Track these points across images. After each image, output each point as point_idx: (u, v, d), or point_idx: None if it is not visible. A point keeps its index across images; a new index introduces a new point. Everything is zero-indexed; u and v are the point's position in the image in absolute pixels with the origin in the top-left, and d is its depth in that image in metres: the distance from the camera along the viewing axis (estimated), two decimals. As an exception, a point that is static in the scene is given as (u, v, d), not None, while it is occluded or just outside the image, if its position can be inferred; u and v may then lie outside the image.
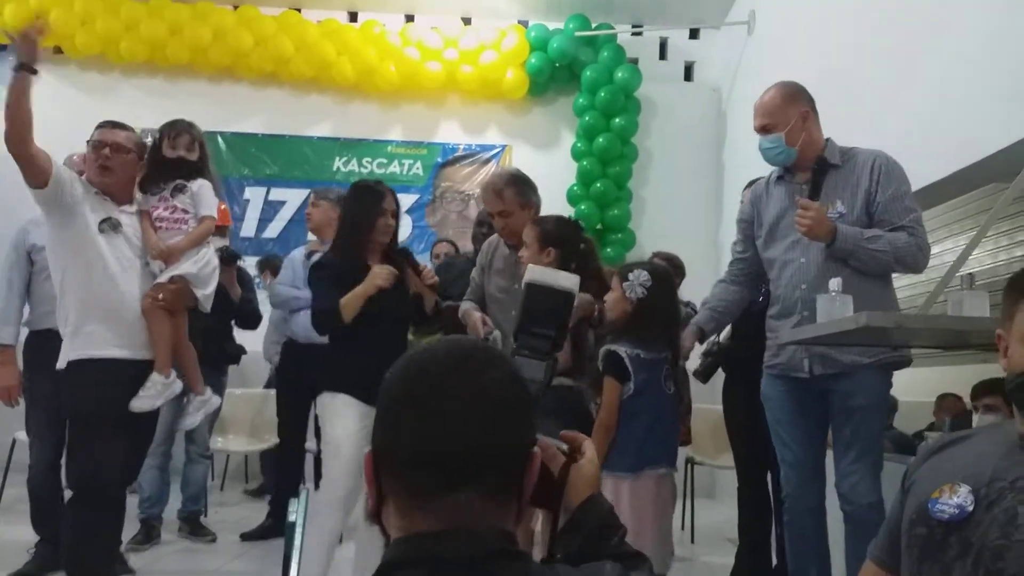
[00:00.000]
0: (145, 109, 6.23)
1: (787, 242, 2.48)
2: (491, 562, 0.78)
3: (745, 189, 3.13)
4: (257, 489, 5.34)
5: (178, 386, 2.69)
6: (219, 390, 4.14)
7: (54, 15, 5.78)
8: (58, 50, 6.11)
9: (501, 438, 0.82)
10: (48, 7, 5.79)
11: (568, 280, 1.19)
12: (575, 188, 5.99)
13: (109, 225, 2.59)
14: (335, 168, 6.31)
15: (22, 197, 2.78)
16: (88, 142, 2.71)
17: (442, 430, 0.79)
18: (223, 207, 4.31)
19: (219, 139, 6.28)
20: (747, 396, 2.91)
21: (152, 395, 2.59)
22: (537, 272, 1.22)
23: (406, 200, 6.20)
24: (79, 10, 5.84)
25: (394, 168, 6.32)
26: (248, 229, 6.24)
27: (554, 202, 5.93)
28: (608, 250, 5.93)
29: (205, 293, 2.79)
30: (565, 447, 1.03)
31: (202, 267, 2.78)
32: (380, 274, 2.76)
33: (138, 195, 2.75)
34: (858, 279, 2.26)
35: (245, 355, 4.53)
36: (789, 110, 2.44)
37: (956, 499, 1.20)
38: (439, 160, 6.36)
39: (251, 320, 4.23)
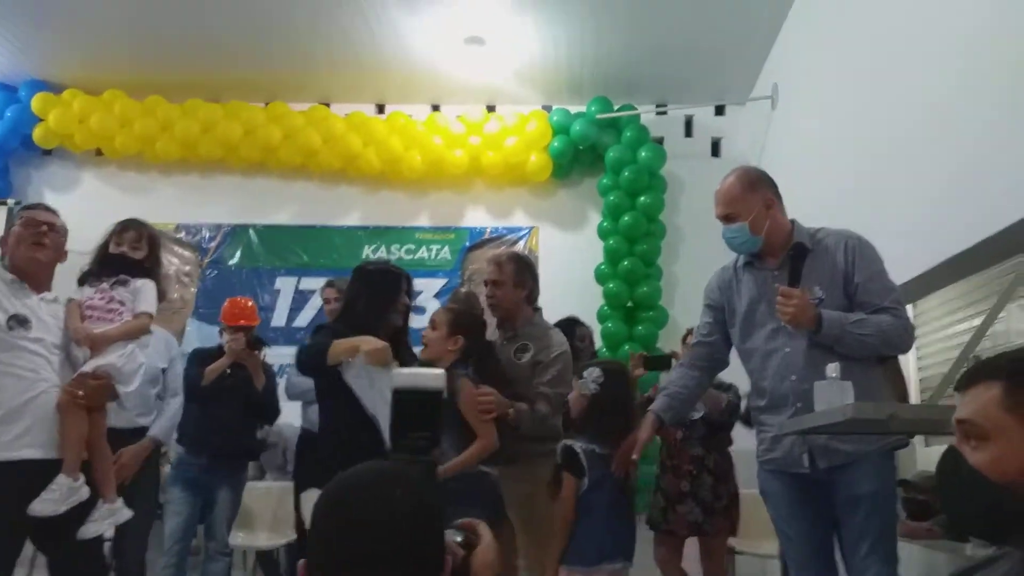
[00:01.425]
0: (182, 205, 6.44)
1: (766, 331, 2.37)
2: None
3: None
4: None
5: (85, 491, 2.49)
6: (237, 486, 4.09)
7: (94, 119, 6.06)
8: (99, 152, 6.38)
9: (408, 546, 0.99)
10: (89, 112, 6.07)
11: (435, 379, 1.24)
12: (603, 267, 5.92)
13: (16, 321, 2.49)
14: (364, 255, 6.35)
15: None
16: (17, 222, 2.66)
17: (358, 543, 0.98)
18: (250, 303, 4.34)
19: (251, 231, 6.42)
20: None
21: (55, 499, 2.39)
22: (402, 378, 1.24)
23: (435, 284, 6.21)
24: (118, 113, 6.09)
25: (422, 253, 6.34)
26: (279, 319, 6.28)
27: (582, 281, 5.91)
28: (639, 328, 5.80)
29: (127, 391, 2.66)
30: (460, 539, 1.15)
31: (127, 363, 2.66)
32: (372, 341, 2.64)
33: (76, 289, 2.73)
34: (847, 365, 2.13)
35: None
36: (750, 198, 2.40)
37: None
38: (467, 244, 6.37)
39: (270, 414, 4.19)
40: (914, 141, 3.42)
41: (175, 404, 3.51)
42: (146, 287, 2.76)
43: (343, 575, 0.98)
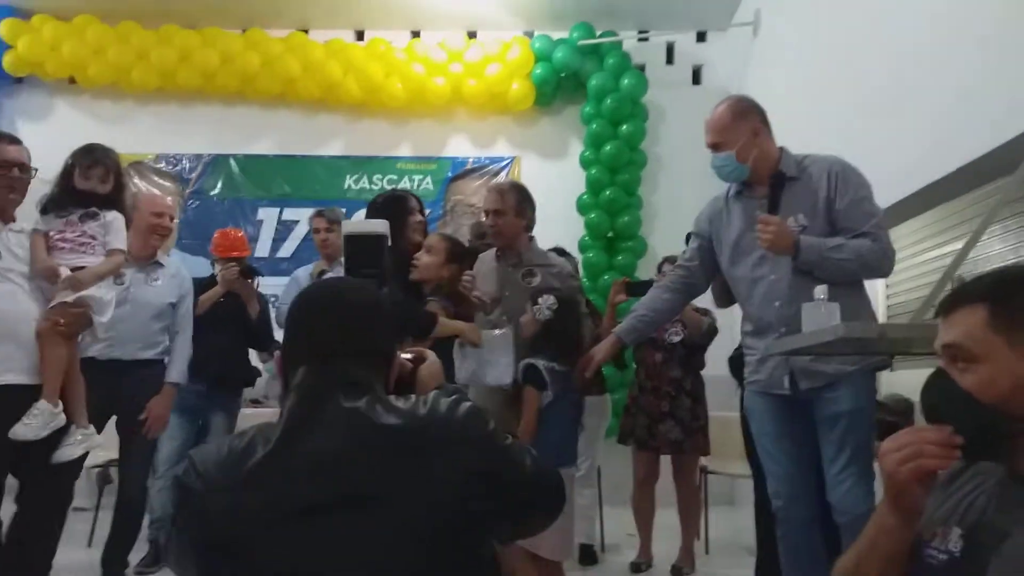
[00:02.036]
0: (160, 135, 6.36)
1: (753, 258, 2.45)
2: (351, 384, 1.18)
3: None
4: None
5: (63, 418, 2.55)
6: (233, 411, 4.18)
7: (67, 47, 5.91)
8: (72, 80, 6.25)
9: (365, 334, 1.25)
10: (61, 39, 5.92)
11: (380, 225, 1.59)
12: (585, 197, 5.97)
13: None
14: (346, 186, 6.35)
15: None
16: None
17: (324, 330, 1.23)
18: (240, 234, 4.39)
19: (231, 161, 6.37)
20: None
21: (37, 425, 2.45)
22: (352, 225, 1.60)
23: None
24: (91, 41, 5.95)
25: (404, 184, 6.33)
26: (262, 249, 6.30)
27: (564, 211, 5.95)
28: (620, 258, 5.90)
29: (101, 320, 2.69)
30: (409, 356, 1.41)
31: (104, 293, 2.70)
32: (471, 330, 2.92)
33: (38, 216, 2.71)
34: (832, 289, 2.19)
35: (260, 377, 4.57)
36: (739, 126, 2.43)
37: (948, 545, 1.13)
38: (449, 174, 6.37)
39: (266, 341, 4.25)
40: (898, 69, 3.47)
41: (184, 341, 3.50)
42: (117, 221, 2.75)
43: (312, 361, 1.21)
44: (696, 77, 6.46)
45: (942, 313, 1.19)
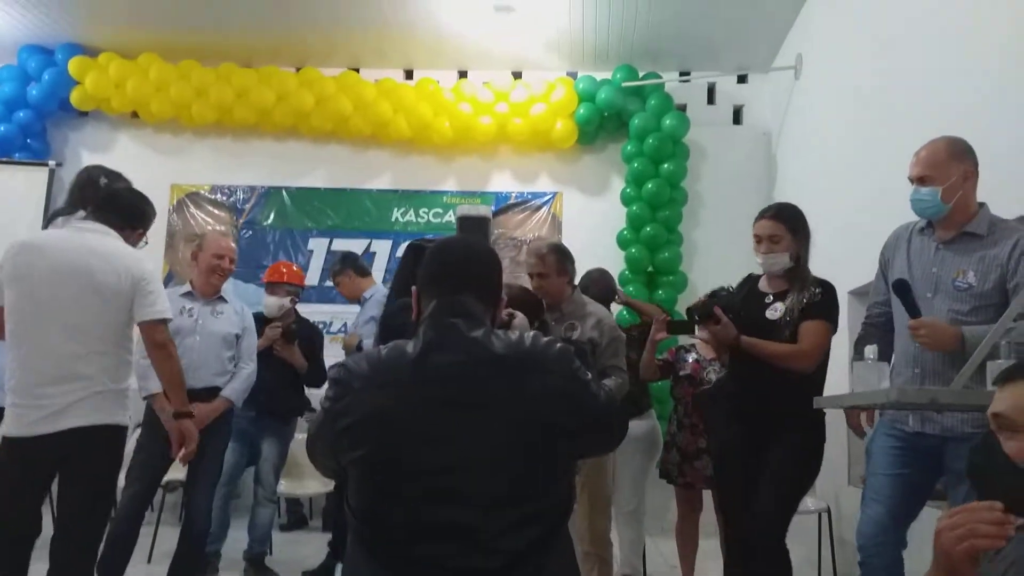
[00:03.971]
0: (216, 168, 6.62)
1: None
2: (473, 319, 1.48)
3: None
4: (288, 524, 5.56)
5: None
6: (285, 438, 4.35)
7: (130, 83, 6.20)
8: (135, 115, 6.53)
9: (484, 274, 1.60)
10: (124, 76, 6.22)
11: (485, 210, 2.10)
12: (625, 232, 6.10)
13: None
14: (394, 218, 6.55)
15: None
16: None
17: (453, 268, 1.58)
18: (295, 268, 4.65)
19: (284, 194, 6.61)
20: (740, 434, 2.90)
21: None
22: (463, 209, 2.09)
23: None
24: (154, 78, 6.24)
25: (450, 217, 6.51)
26: (312, 278, 6.48)
27: (605, 245, 6.09)
28: (660, 292, 6.00)
29: None
30: (508, 312, 1.95)
31: None
32: None
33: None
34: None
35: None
36: (953, 165, 2.38)
37: None
38: (493, 208, 6.54)
39: (317, 378, 4.39)
40: (946, 117, 3.48)
41: (248, 370, 3.72)
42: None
43: (444, 295, 1.51)
44: (737, 117, 6.60)
45: (999, 382, 1.30)
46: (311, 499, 5.70)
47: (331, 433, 1.45)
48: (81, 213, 2.80)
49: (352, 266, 4.56)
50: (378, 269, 6.14)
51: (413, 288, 1.60)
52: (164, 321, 2.72)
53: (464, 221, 1.99)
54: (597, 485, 3.31)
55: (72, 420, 2.50)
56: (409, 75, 6.66)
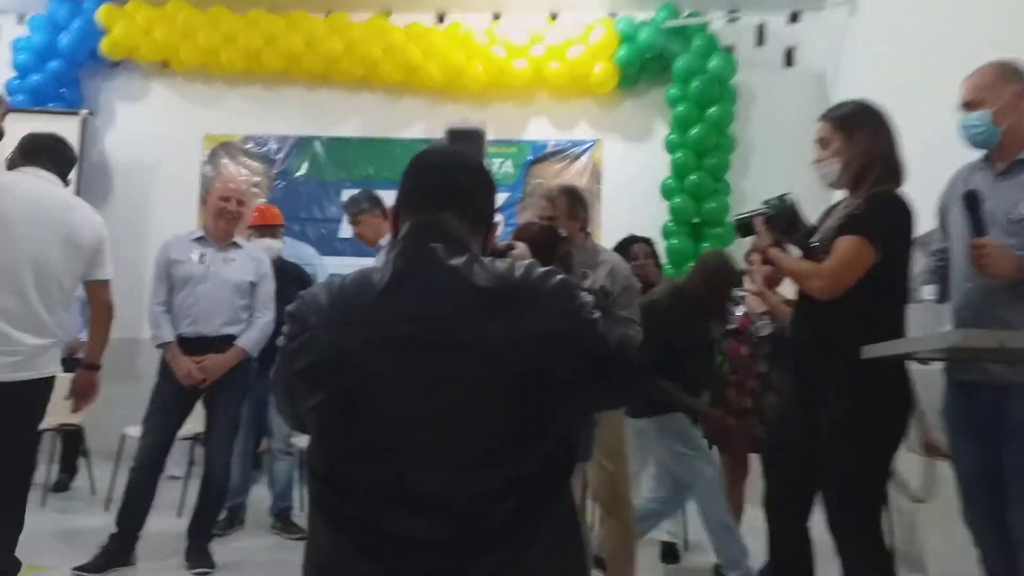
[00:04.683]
0: (248, 117, 6.51)
1: (962, 235, 2.15)
2: (454, 244, 1.25)
3: None
4: None
5: None
6: None
7: (159, 31, 6.09)
8: (165, 64, 6.42)
9: (470, 189, 1.34)
10: (154, 23, 6.10)
11: (478, 123, 1.77)
12: (669, 181, 5.83)
13: None
14: (427, 168, 6.36)
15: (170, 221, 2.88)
16: None
17: (434, 181, 1.33)
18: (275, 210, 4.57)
19: (316, 143, 6.46)
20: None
21: None
22: (454, 122, 1.78)
23: (497, 199, 6.20)
24: (182, 25, 6.12)
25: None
26: (347, 230, 6.35)
27: (647, 195, 5.84)
28: (706, 245, 5.73)
29: None
30: (504, 244, 1.61)
31: None
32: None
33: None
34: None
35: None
36: (1003, 87, 2.18)
37: None
38: (529, 158, 6.31)
39: None
40: (1012, 49, 3.22)
41: (265, 319, 3.56)
42: None
43: (420, 214, 1.29)
44: (789, 59, 6.21)
45: None
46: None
47: (286, 375, 1.26)
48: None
49: (379, 205, 4.09)
50: (412, 222, 5.98)
51: (392, 207, 1.36)
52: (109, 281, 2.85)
53: (454, 136, 1.72)
54: (609, 435, 2.98)
55: (36, 370, 2.53)
56: (440, 19, 6.39)
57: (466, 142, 1.68)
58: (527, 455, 1.16)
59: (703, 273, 3.54)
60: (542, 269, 1.24)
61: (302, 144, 6.48)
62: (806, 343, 2.36)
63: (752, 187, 5.97)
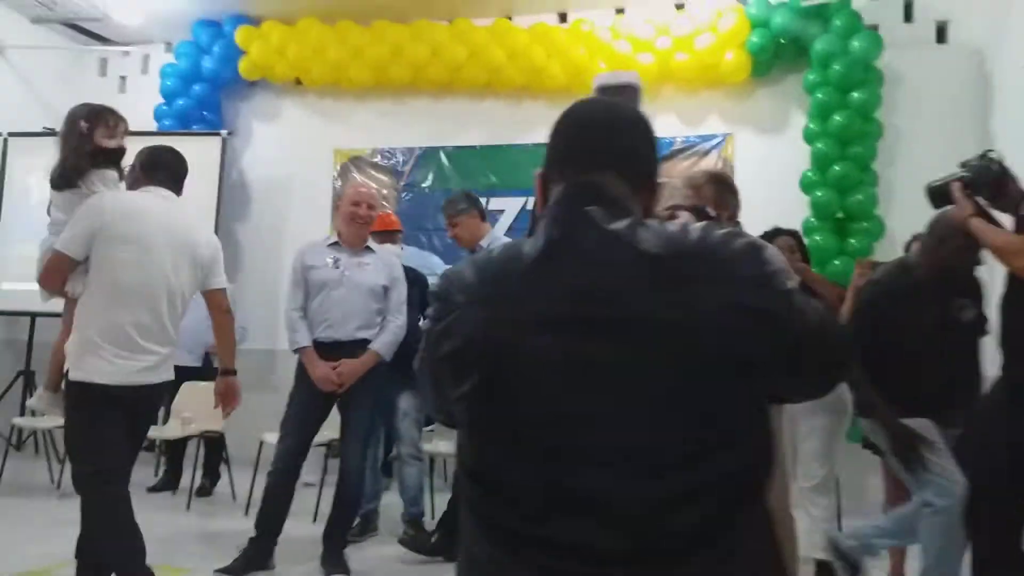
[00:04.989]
0: (375, 130, 6.63)
1: None
2: (613, 203, 1.06)
3: None
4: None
5: None
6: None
7: (292, 49, 6.31)
8: (298, 81, 6.65)
9: (629, 144, 1.14)
10: (286, 42, 6.32)
11: (631, 76, 1.60)
12: (809, 174, 5.44)
13: None
14: (551, 172, 6.26)
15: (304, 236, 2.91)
16: None
17: (587, 139, 1.14)
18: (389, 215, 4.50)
19: (441, 154, 6.50)
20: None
21: None
22: (603, 77, 1.62)
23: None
24: (313, 42, 6.30)
25: (611, 167, 6.12)
26: (469, 239, 6.36)
27: (785, 190, 5.47)
28: (852, 240, 5.32)
29: None
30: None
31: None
32: None
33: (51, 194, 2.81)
34: None
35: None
36: None
37: None
38: (657, 155, 6.07)
39: None
40: None
41: (397, 323, 3.56)
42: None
43: (574, 175, 1.10)
44: (941, 35, 5.69)
45: None
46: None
47: (432, 362, 1.11)
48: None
49: (476, 205, 4.03)
50: (537, 227, 5.89)
51: (536, 173, 1.18)
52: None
53: (605, 93, 1.52)
54: None
55: (159, 376, 2.73)
56: (563, 18, 6.29)
57: (619, 98, 1.46)
58: (722, 452, 0.97)
59: (937, 238, 2.83)
60: (723, 230, 1.03)
61: (427, 155, 6.53)
62: (1016, 336, 2.03)
63: (901, 177, 5.48)
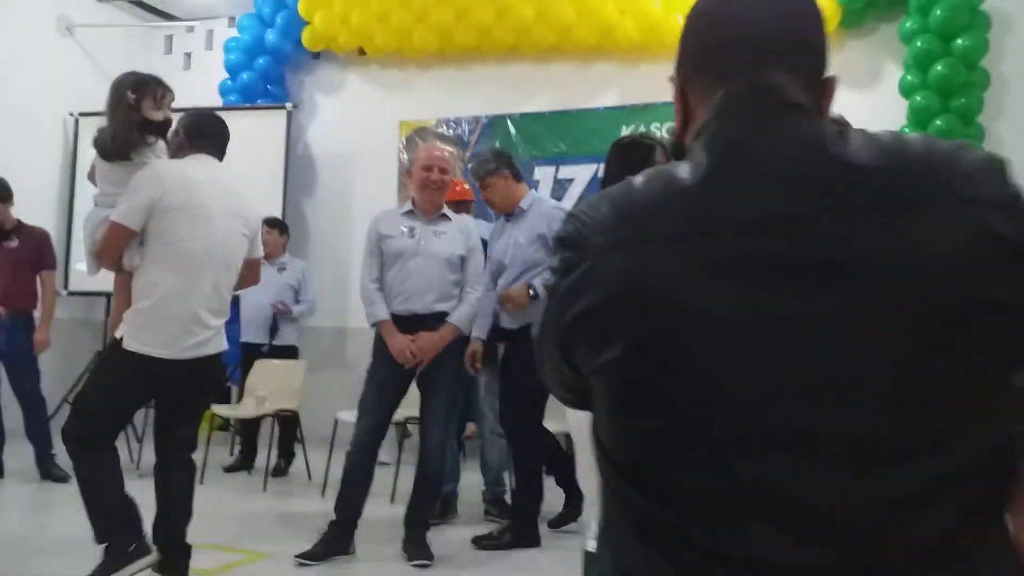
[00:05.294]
0: (440, 100, 6.45)
1: None
2: (795, 108, 0.80)
3: None
4: None
5: None
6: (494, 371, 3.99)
7: (355, 17, 6.16)
8: (361, 51, 6.51)
9: (794, 23, 0.85)
10: (350, 9, 6.17)
11: None
12: (907, 130, 5.05)
13: None
14: (624, 137, 5.99)
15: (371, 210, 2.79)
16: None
17: (744, 19, 0.85)
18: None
19: (508, 122, 6.29)
20: None
21: None
22: None
23: None
24: (376, 8, 6.14)
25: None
26: (540, 209, 6.15)
27: (881, 149, 5.09)
28: (954, 201, 4.94)
29: None
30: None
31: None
32: None
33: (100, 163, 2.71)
34: None
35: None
36: None
37: None
38: (736, 117, 5.75)
39: None
40: None
41: (476, 295, 3.37)
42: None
43: (735, 76, 0.82)
44: (1055, -28, 5.21)
45: None
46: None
47: (558, 326, 0.84)
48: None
49: (508, 164, 3.70)
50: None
51: (676, 84, 0.90)
52: None
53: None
54: None
55: (215, 347, 2.73)
56: (637, -29, 5.98)
57: None
58: (965, 438, 0.73)
59: None
60: (952, 141, 0.78)
61: (493, 124, 6.33)
62: None
63: (1011, 130, 5.09)
